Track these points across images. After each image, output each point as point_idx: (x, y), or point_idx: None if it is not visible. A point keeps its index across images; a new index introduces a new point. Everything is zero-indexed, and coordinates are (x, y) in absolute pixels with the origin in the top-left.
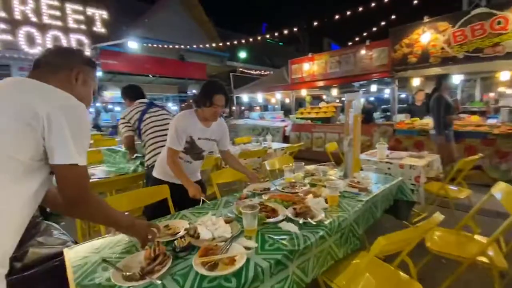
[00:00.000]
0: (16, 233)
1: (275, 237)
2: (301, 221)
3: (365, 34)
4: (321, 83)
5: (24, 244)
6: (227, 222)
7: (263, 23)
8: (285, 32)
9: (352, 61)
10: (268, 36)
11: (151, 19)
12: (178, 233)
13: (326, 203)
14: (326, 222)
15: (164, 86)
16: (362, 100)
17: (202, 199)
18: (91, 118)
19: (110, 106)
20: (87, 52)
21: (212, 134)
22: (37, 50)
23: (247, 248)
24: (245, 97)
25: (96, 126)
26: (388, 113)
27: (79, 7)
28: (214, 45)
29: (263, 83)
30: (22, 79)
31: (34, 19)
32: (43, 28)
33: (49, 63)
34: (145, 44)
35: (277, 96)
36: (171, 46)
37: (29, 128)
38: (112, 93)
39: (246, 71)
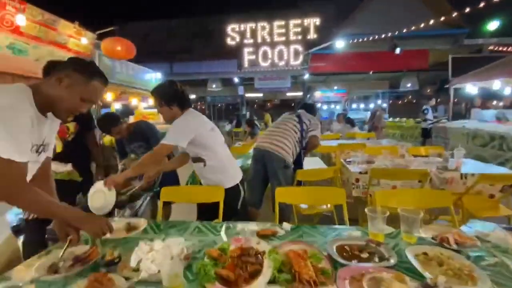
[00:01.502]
0: None
1: None
2: None
3: None
4: None
5: None
6: (185, 258)
7: None
8: None
9: None
10: None
11: (361, 14)
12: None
13: None
14: None
15: (374, 82)
16: None
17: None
18: None
19: (318, 105)
20: (299, 58)
21: None
22: (267, 64)
23: None
24: (472, 89)
25: None
26: None
27: (298, 21)
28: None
29: (506, 64)
30: None
31: (268, 39)
32: (273, 45)
33: (54, 70)
34: (351, 41)
35: None
36: (383, 36)
37: None
38: (321, 94)
39: (499, 49)
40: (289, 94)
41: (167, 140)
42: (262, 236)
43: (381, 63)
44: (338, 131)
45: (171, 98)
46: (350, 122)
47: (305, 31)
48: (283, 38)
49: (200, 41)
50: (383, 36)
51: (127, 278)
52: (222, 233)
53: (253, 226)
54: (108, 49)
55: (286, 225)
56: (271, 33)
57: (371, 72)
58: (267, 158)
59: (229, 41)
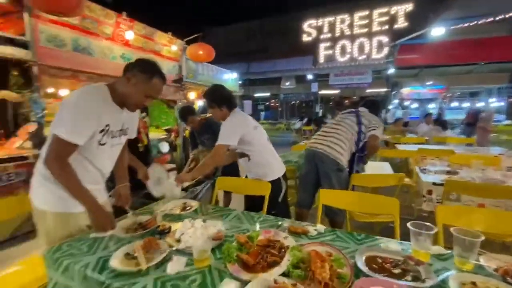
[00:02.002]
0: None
1: None
2: None
3: None
4: None
5: None
6: (215, 239)
7: None
8: None
9: None
10: None
11: None
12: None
13: None
14: None
15: (486, 76)
16: None
17: None
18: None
19: (406, 103)
20: (383, 50)
21: None
22: (346, 58)
23: None
24: None
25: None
26: None
27: (384, 9)
28: None
29: None
30: None
31: (348, 32)
32: (353, 38)
33: (126, 71)
34: (452, 27)
35: None
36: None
37: None
38: (411, 90)
39: None
40: (369, 90)
41: (222, 141)
42: (293, 232)
43: (497, 52)
44: (423, 134)
45: (221, 100)
46: (441, 124)
47: (392, 20)
48: (365, 30)
49: (276, 40)
50: (500, 17)
51: (170, 245)
52: (257, 224)
53: (288, 223)
54: (192, 53)
55: (320, 227)
56: (351, 26)
57: (482, 63)
58: (318, 158)
59: (305, 38)
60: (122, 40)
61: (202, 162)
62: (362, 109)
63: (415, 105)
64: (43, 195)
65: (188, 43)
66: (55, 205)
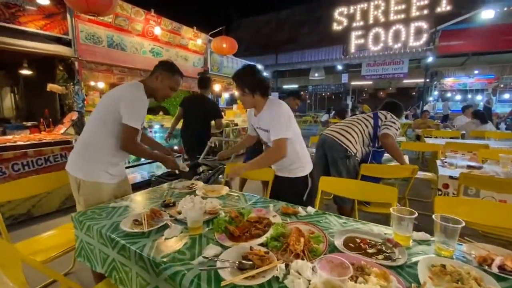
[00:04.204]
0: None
1: None
2: None
3: None
4: None
5: None
6: (210, 213)
7: None
8: None
9: None
10: None
11: None
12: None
13: None
14: None
15: None
16: None
17: None
18: None
19: (448, 95)
20: (422, 38)
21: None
22: (379, 47)
23: None
24: None
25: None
26: None
27: None
28: None
29: None
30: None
31: (382, 19)
32: (387, 25)
33: (153, 71)
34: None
35: None
36: None
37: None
38: (454, 81)
39: None
40: (406, 81)
41: (283, 134)
42: (285, 213)
43: None
44: (459, 128)
45: (256, 86)
46: (480, 117)
47: (433, 3)
48: (402, 16)
49: (305, 30)
50: None
51: (171, 216)
52: (254, 204)
53: (282, 205)
54: (216, 46)
55: (311, 209)
56: (386, 12)
57: None
58: (327, 145)
59: (335, 27)
60: (151, 35)
61: (263, 155)
62: (381, 111)
63: (458, 97)
64: (83, 167)
65: (213, 36)
66: (92, 176)
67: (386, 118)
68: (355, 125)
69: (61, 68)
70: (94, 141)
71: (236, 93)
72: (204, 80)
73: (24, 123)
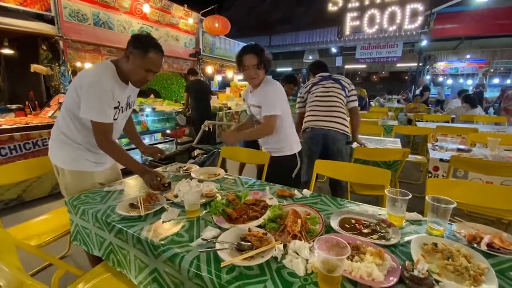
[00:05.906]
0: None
1: None
2: None
3: None
4: None
5: None
6: (208, 196)
7: None
8: None
9: None
10: None
11: None
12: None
13: None
14: None
15: None
16: None
17: None
18: None
19: (440, 79)
20: (417, 20)
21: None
22: (374, 30)
23: None
24: None
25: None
26: None
27: None
28: None
29: None
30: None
31: (378, 0)
32: (383, 7)
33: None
34: None
35: None
36: None
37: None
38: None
39: None
40: (400, 65)
41: (273, 111)
42: (281, 195)
43: None
44: (450, 112)
45: (269, 64)
46: (469, 101)
47: None
48: None
49: (299, 10)
50: None
51: (168, 199)
52: (251, 187)
53: (279, 187)
54: (208, 26)
55: (306, 191)
56: None
57: None
58: (330, 139)
59: (330, 7)
60: (140, 13)
61: (253, 129)
62: (335, 75)
63: (449, 81)
64: (61, 156)
65: (204, 15)
66: (71, 164)
67: (350, 85)
68: (339, 105)
69: (45, 48)
70: (67, 133)
71: (242, 69)
72: (193, 70)
73: (9, 106)
